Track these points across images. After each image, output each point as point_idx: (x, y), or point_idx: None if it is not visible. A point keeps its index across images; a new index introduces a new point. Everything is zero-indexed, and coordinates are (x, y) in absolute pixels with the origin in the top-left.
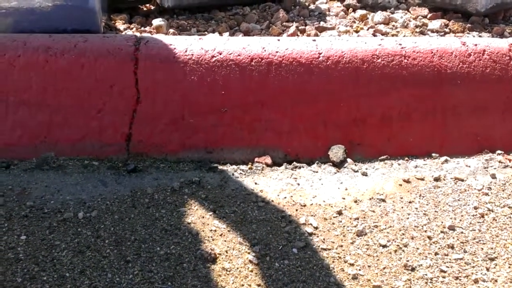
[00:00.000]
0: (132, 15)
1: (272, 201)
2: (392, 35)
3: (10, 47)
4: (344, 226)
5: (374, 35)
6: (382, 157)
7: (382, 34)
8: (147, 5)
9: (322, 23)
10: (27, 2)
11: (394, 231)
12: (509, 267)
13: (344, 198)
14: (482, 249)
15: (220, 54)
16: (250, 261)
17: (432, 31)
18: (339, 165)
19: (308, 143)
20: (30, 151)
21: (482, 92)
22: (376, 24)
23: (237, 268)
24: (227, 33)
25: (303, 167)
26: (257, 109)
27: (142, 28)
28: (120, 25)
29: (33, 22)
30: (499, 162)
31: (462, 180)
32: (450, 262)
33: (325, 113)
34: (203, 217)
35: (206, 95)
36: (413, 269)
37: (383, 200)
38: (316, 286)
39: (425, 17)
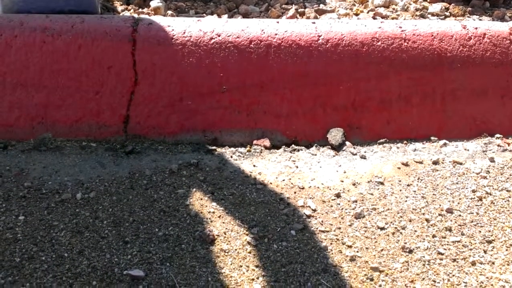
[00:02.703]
0: None
1: (271, 183)
2: (392, 18)
3: (6, 27)
4: (342, 209)
5: (374, 18)
6: (381, 140)
7: (382, 17)
8: None
9: (321, 6)
10: None
11: (392, 214)
12: (507, 250)
13: (342, 181)
14: (480, 231)
15: (219, 36)
16: (249, 243)
17: (433, 14)
18: (337, 148)
19: (307, 126)
20: (28, 132)
21: (482, 76)
22: (376, 7)
23: (236, 249)
24: (226, 15)
25: (301, 150)
26: (256, 91)
27: (140, 10)
28: (117, 6)
29: (30, 2)
30: (498, 145)
31: (461, 164)
32: (447, 244)
33: (324, 96)
34: (201, 199)
35: (204, 77)
36: (410, 251)
37: (382, 183)
38: (314, 267)
39: (425, 0)
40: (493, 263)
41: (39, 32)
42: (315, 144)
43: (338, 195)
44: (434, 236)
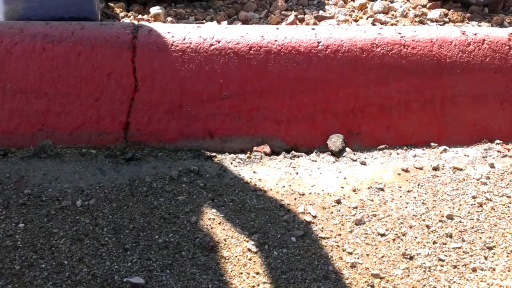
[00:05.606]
0: (129, 3)
1: (271, 190)
2: (392, 24)
3: (6, 34)
4: (342, 215)
5: (373, 24)
6: (381, 147)
7: (382, 23)
8: None
9: (321, 12)
10: None
11: (393, 220)
12: (507, 256)
13: (342, 187)
14: (480, 238)
15: (219, 42)
16: (249, 250)
17: (432, 20)
18: (337, 154)
19: (306, 132)
20: (28, 139)
21: (481, 81)
22: (375, 13)
23: (236, 256)
24: (226, 22)
25: (301, 156)
26: (255, 98)
27: (140, 16)
28: (118, 13)
29: (30, 9)
30: (498, 151)
31: (461, 170)
32: (448, 251)
33: (324, 102)
34: (201, 206)
35: (204, 84)
36: (411, 258)
37: (382, 189)
38: (314, 274)
39: (424, 6)
40: (494, 269)
41: (39, 39)
42: (315, 150)
43: (338, 202)
44: (434, 242)
